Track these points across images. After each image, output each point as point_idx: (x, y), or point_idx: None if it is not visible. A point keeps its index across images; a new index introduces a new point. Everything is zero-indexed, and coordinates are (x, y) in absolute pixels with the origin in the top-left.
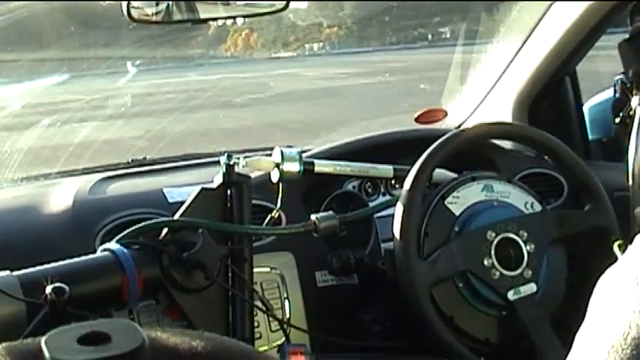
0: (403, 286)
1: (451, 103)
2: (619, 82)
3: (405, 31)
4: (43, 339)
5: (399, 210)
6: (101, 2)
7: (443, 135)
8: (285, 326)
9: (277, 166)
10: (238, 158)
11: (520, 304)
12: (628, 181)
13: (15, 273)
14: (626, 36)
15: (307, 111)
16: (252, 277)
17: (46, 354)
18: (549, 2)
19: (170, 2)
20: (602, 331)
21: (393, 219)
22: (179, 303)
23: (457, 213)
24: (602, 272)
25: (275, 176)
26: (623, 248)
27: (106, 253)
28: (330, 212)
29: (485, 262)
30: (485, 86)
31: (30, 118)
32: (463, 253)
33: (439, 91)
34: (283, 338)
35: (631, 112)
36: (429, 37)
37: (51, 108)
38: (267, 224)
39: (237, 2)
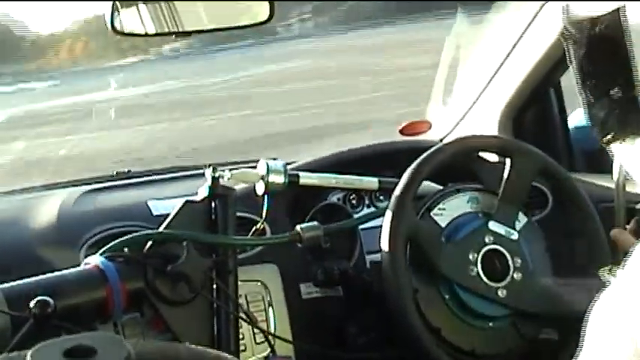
0: (390, 297)
1: (435, 115)
2: None
3: None
4: (29, 352)
5: (386, 222)
6: None
7: (428, 147)
8: (270, 338)
9: (262, 178)
10: (223, 170)
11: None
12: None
13: None
14: None
15: None
16: (236, 289)
17: None
18: (532, 15)
19: (153, 15)
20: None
21: (378, 231)
22: (164, 315)
23: (443, 225)
24: (590, 283)
25: (260, 189)
26: (614, 272)
27: (90, 266)
28: (315, 223)
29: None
30: (469, 98)
31: (14, 131)
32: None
33: None
34: (268, 350)
35: None
36: None
37: (36, 121)
38: (251, 236)
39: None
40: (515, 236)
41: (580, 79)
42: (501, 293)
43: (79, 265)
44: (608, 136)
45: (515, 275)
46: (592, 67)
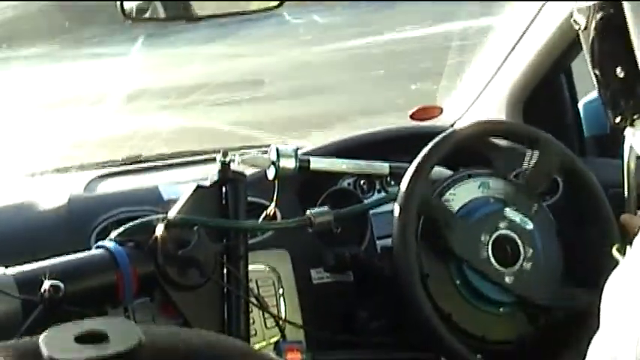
0: (400, 282)
1: (446, 100)
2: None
3: None
4: (40, 337)
5: (397, 208)
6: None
7: (439, 132)
8: (280, 323)
9: (273, 163)
10: (234, 155)
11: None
12: (623, 177)
13: (10, 271)
14: None
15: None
16: (247, 274)
17: (45, 352)
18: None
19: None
20: (615, 338)
21: (389, 216)
22: (174, 300)
23: (454, 210)
24: (599, 268)
25: (271, 173)
26: (622, 251)
27: (101, 250)
28: (325, 208)
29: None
30: (480, 83)
31: (27, 114)
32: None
33: None
34: (279, 335)
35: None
36: None
37: (48, 104)
38: (262, 221)
39: None
40: (530, 226)
41: (590, 62)
42: (509, 279)
43: (89, 250)
44: (618, 117)
45: (524, 264)
46: (599, 49)
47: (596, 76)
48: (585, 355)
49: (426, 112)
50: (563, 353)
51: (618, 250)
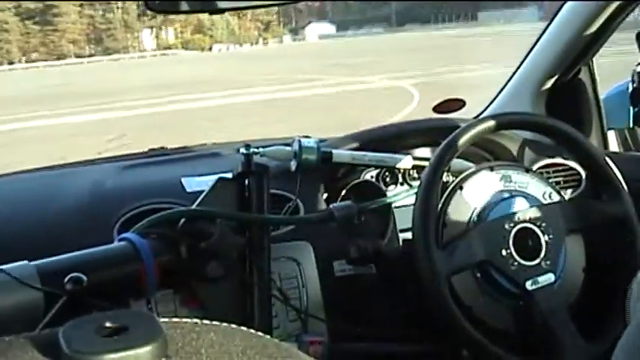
0: (422, 275)
1: (469, 93)
2: (638, 72)
3: None
4: (61, 330)
5: (418, 200)
6: None
7: (461, 125)
8: (302, 316)
9: (295, 155)
10: (257, 148)
11: (538, 294)
12: None
13: (33, 262)
14: None
15: None
16: (269, 266)
17: (65, 345)
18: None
19: None
20: None
21: (411, 209)
22: (196, 292)
23: (475, 203)
24: (620, 263)
25: (293, 166)
26: None
27: (123, 242)
28: (348, 201)
29: (504, 252)
30: (503, 76)
31: (47, 106)
32: (481, 243)
33: None
34: (301, 328)
35: None
36: None
37: (69, 91)
38: (285, 214)
39: None
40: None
41: None
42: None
43: (112, 242)
44: None
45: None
46: None
47: None
48: (609, 348)
49: (449, 106)
50: (587, 346)
51: None
